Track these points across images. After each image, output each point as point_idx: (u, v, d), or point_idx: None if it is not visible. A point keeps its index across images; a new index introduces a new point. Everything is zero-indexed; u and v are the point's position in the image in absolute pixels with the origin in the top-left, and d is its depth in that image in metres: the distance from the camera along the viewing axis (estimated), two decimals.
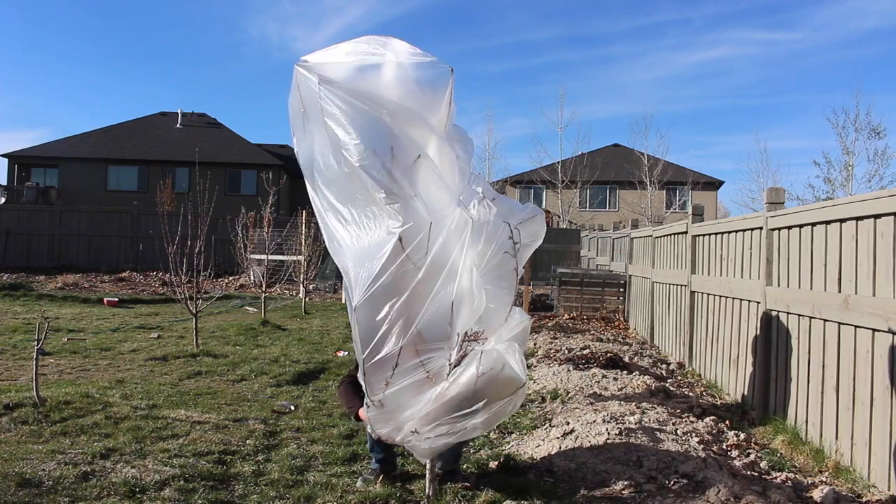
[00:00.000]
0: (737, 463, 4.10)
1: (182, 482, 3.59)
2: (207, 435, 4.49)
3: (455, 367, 3.05)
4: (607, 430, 4.40)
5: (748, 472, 3.95)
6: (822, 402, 4.27)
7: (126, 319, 10.91)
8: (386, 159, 3.11)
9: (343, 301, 14.55)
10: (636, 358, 7.75)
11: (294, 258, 14.49)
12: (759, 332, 5.26)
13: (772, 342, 5.07)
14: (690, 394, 6.07)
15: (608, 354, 7.31)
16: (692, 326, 7.24)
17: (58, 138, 33.75)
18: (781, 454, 4.39)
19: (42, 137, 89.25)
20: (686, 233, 7.42)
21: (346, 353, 7.92)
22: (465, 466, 3.95)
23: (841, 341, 4.05)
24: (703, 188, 35.64)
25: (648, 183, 33.14)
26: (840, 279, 4.07)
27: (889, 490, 3.50)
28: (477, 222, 3.07)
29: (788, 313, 4.78)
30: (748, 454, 4.35)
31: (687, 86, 72.11)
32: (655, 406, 5.28)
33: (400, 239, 3.02)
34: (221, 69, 78.49)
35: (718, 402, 5.84)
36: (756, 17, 64.70)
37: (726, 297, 6.14)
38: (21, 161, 32.15)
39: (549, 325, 10.32)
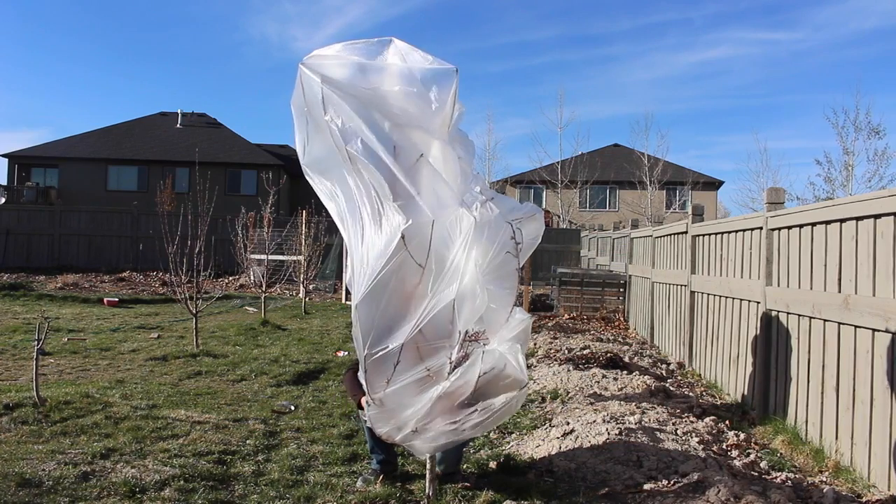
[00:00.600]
0: (737, 463, 4.10)
1: (182, 482, 3.59)
2: (207, 435, 4.49)
3: (456, 366, 3.05)
4: (607, 430, 4.39)
5: (748, 472, 3.95)
6: (822, 402, 4.27)
7: (126, 319, 10.91)
8: (388, 159, 3.12)
9: (343, 301, 14.57)
10: (636, 358, 7.75)
11: (294, 258, 14.49)
12: (759, 332, 5.26)
13: (772, 342, 5.07)
14: (690, 394, 6.07)
15: (608, 354, 7.31)
16: (692, 326, 7.24)
17: (58, 138, 33.81)
18: (781, 454, 4.39)
19: (42, 137, 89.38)
20: (686, 233, 7.42)
21: (346, 353, 7.92)
22: (465, 466, 3.95)
23: (841, 341, 4.05)
24: (703, 188, 35.65)
25: (648, 183, 33.14)
26: (840, 279, 4.07)
27: (889, 490, 3.50)
28: (480, 222, 3.08)
29: (788, 313, 4.78)
30: (748, 454, 4.35)
31: (687, 86, 72.18)
32: (655, 406, 5.28)
33: (402, 237, 3.02)
34: (221, 69, 78.55)
35: (718, 402, 5.84)
36: (756, 17, 64.77)
37: (726, 297, 6.14)
38: (21, 161, 32.16)
39: (549, 325, 10.32)
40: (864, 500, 3.52)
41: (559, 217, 33.47)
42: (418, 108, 3.16)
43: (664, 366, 7.58)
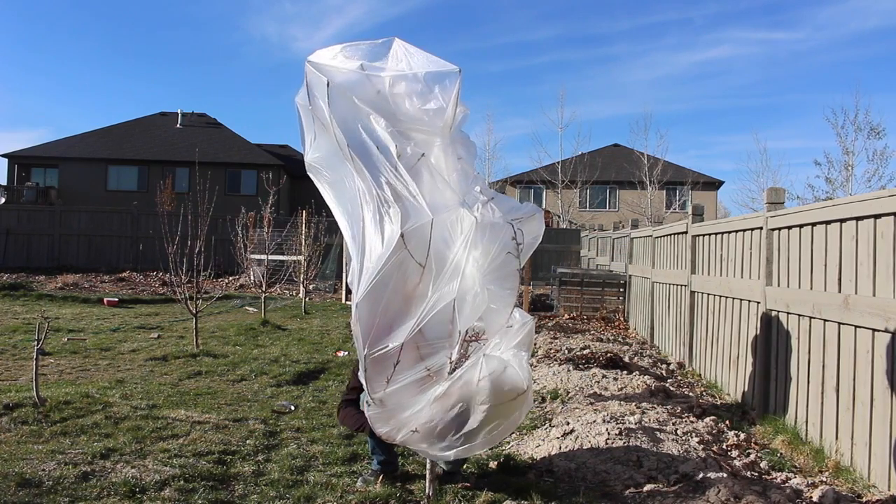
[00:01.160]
0: (737, 463, 4.10)
1: (182, 482, 3.59)
2: (207, 435, 4.49)
3: (456, 366, 3.05)
4: (607, 430, 4.39)
5: (748, 472, 3.95)
6: (822, 402, 4.27)
7: (126, 319, 10.90)
8: (390, 159, 3.12)
9: (343, 301, 14.56)
10: (636, 358, 7.75)
11: (294, 258, 14.49)
12: (759, 332, 5.26)
13: (772, 342, 5.07)
14: (690, 394, 6.07)
15: (608, 354, 7.31)
16: (692, 326, 7.24)
17: (58, 138, 33.77)
18: (781, 454, 4.39)
19: (42, 137, 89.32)
20: (686, 233, 7.42)
21: (346, 353, 7.92)
22: (465, 466, 3.95)
23: (841, 341, 4.05)
24: (702, 188, 35.65)
25: (648, 183, 33.13)
26: (840, 279, 4.07)
27: (889, 490, 3.50)
28: (481, 223, 3.08)
29: (788, 313, 4.78)
30: (748, 454, 4.35)
31: (687, 86, 72.16)
32: (655, 406, 5.28)
33: (402, 236, 3.02)
34: (221, 69, 78.54)
35: (718, 402, 5.84)
36: (756, 17, 64.76)
37: (726, 297, 6.14)
38: (21, 161, 32.14)
39: (549, 325, 10.33)
40: (864, 500, 3.52)
41: (559, 217, 33.46)
42: (420, 108, 3.17)
43: (664, 366, 7.58)
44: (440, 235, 3.13)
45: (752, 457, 4.26)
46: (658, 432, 4.46)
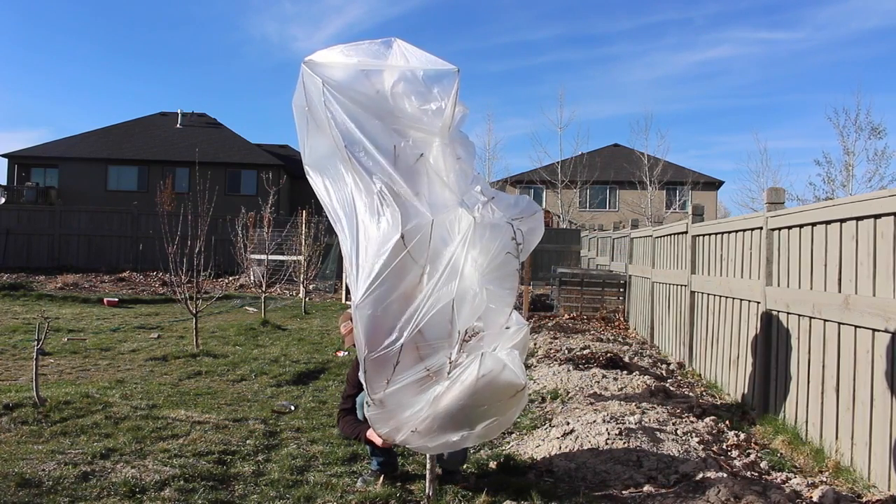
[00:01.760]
0: (737, 463, 4.10)
1: (182, 482, 3.59)
2: (207, 435, 4.49)
3: (456, 366, 3.05)
4: (607, 430, 4.39)
5: (748, 473, 3.95)
6: (822, 402, 4.27)
7: (126, 319, 10.90)
8: (388, 159, 3.12)
9: (343, 301, 14.56)
10: (636, 358, 7.75)
11: (294, 258, 14.49)
12: (759, 332, 5.26)
13: (772, 342, 5.07)
14: (690, 394, 6.06)
15: (608, 354, 7.31)
16: (692, 326, 7.23)
17: (58, 138, 33.78)
18: (781, 454, 4.39)
19: (42, 137, 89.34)
20: (686, 233, 7.42)
21: (346, 353, 7.92)
22: (464, 466, 3.95)
23: (841, 341, 4.05)
24: (703, 188, 35.65)
25: (648, 183, 33.13)
26: (840, 279, 4.07)
27: (889, 490, 3.50)
28: (481, 223, 3.08)
29: (788, 313, 4.78)
30: (748, 454, 4.35)
31: (687, 86, 72.21)
32: (655, 406, 5.28)
33: (402, 237, 3.02)
34: (221, 69, 78.59)
35: (718, 402, 5.84)
36: (756, 16, 64.83)
37: (726, 297, 6.14)
38: (21, 161, 32.14)
39: (549, 325, 10.32)
40: (864, 500, 3.52)
41: (559, 217, 33.46)
42: (419, 107, 3.16)
43: (664, 366, 7.58)
44: (439, 236, 3.12)
45: (752, 457, 4.26)
46: (658, 432, 4.46)
